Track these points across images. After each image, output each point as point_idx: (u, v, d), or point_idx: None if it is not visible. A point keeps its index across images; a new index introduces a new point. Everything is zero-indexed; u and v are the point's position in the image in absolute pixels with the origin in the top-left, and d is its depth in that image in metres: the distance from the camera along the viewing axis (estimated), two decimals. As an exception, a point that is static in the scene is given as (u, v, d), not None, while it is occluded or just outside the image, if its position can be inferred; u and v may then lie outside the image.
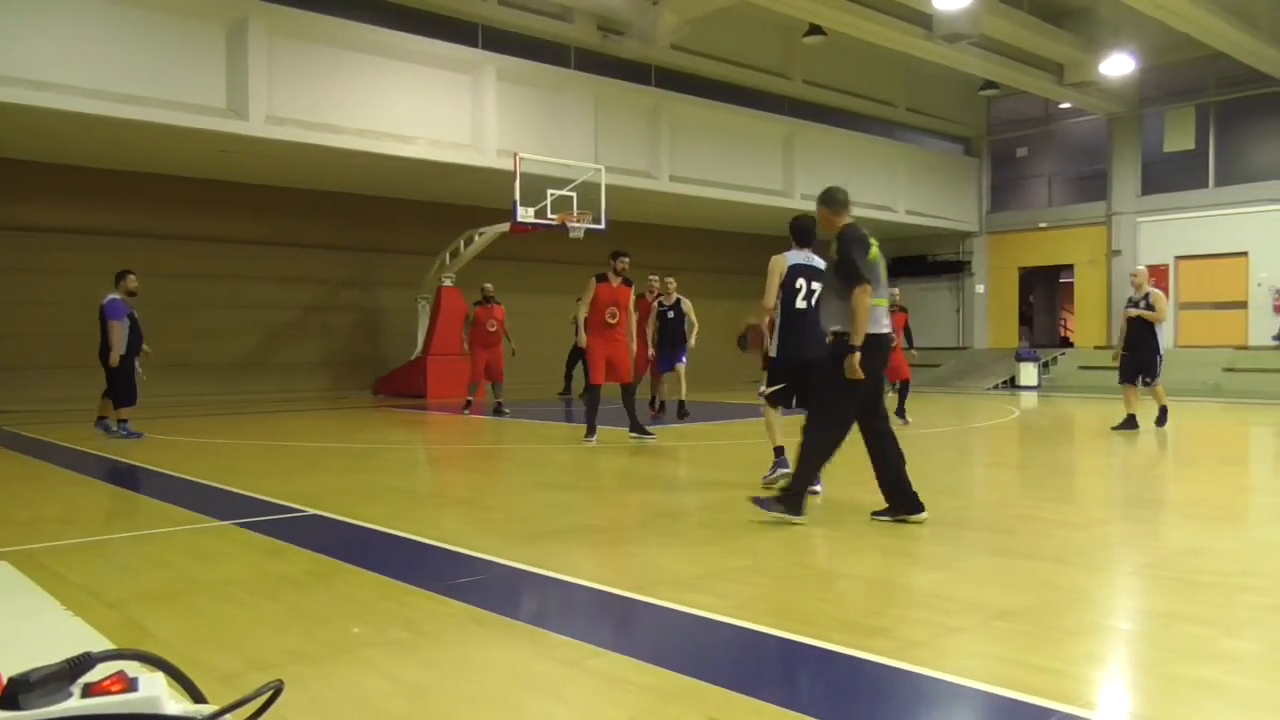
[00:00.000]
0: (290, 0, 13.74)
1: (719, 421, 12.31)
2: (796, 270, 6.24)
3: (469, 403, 13.49)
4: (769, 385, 6.46)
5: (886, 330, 5.26)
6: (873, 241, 5.22)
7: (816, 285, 6.09)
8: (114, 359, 9.84)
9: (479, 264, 16.84)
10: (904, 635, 3.15)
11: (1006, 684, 2.68)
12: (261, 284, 16.99)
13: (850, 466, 8.21)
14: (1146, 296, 10.82)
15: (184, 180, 15.92)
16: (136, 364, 10.08)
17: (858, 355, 4.97)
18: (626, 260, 9.42)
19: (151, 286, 15.53)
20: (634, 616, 3.57)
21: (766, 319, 6.39)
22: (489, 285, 13.71)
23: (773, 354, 6.41)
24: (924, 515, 5.16)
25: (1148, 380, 10.83)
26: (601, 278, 9.31)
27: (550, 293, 17.74)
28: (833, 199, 5.39)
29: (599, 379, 9.31)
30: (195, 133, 13.00)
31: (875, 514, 5.30)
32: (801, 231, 6.29)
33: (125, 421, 10.16)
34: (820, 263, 6.20)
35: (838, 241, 5.22)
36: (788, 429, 6.34)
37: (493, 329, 13.33)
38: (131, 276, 10.18)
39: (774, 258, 6.36)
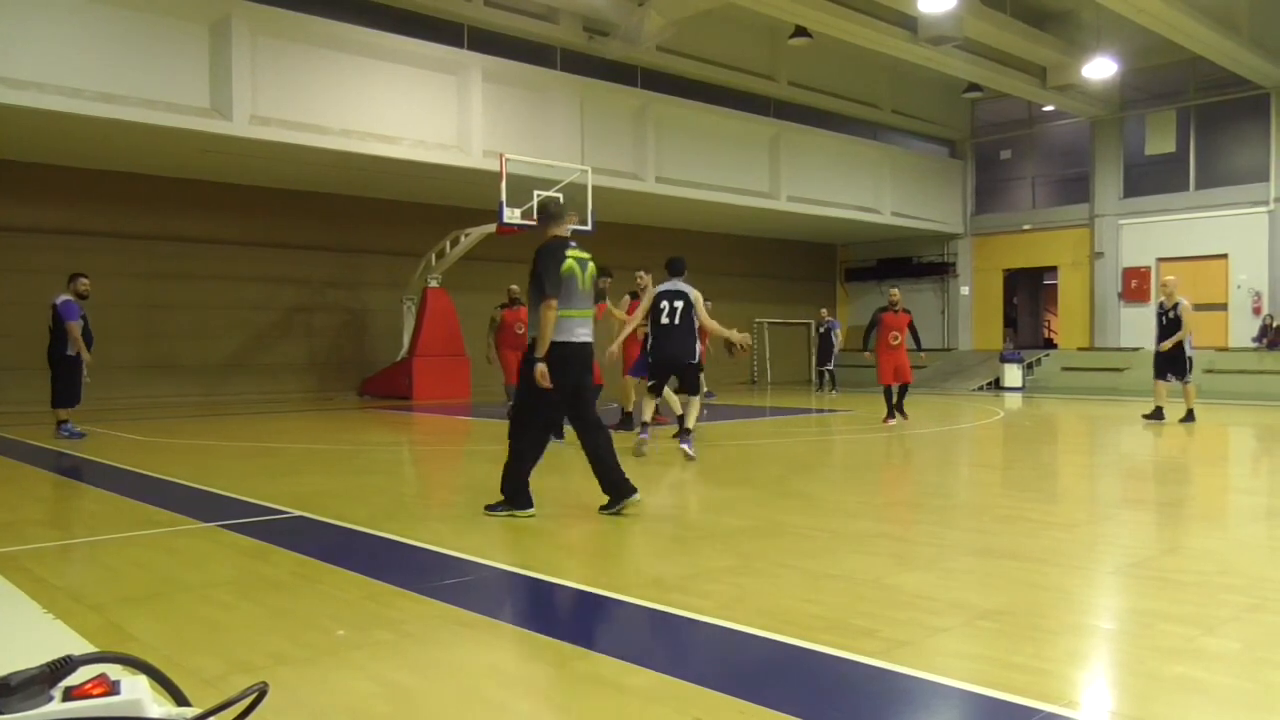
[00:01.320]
0: (274, 0, 13.68)
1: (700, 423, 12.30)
2: (661, 295, 8.15)
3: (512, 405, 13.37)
4: (650, 380, 8.55)
5: (581, 340, 5.45)
6: (570, 255, 5.38)
7: (679, 304, 8.02)
8: (87, 357, 9.95)
9: (465, 265, 16.81)
10: (889, 635, 3.17)
11: (991, 684, 2.69)
12: (245, 285, 16.89)
13: (842, 468, 8.23)
14: (1176, 306, 11.77)
15: (167, 180, 15.81)
16: (84, 366, 10.15)
17: (542, 365, 5.24)
18: (610, 280, 10.28)
19: (133, 287, 15.51)
20: (619, 617, 3.57)
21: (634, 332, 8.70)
22: (515, 287, 13.49)
23: (650, 358, 8.40)
24: (638, 496, 5.38)
25: (1175, 378, 11.88)
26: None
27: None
28: (543, 211, 5.68)
29: None
30: (178, 132, 12.91)
31: (602, 509, 5.43)
32: (672, 266, 8.26)
33: (66, 422, 10.14)
34: (684, 288, 8.11)
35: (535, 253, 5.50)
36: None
37: (520, 331, 13.19)
38: (84, 279, 10.23)
39: (651, 289, 8.46)
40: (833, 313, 21.35)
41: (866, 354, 12.29)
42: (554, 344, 5.28)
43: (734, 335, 8.48)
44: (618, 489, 5.39)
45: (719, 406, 14.84)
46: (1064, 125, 23.56)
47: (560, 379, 5.27)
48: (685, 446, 8.09)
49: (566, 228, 5.57)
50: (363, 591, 3.86)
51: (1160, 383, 12.13)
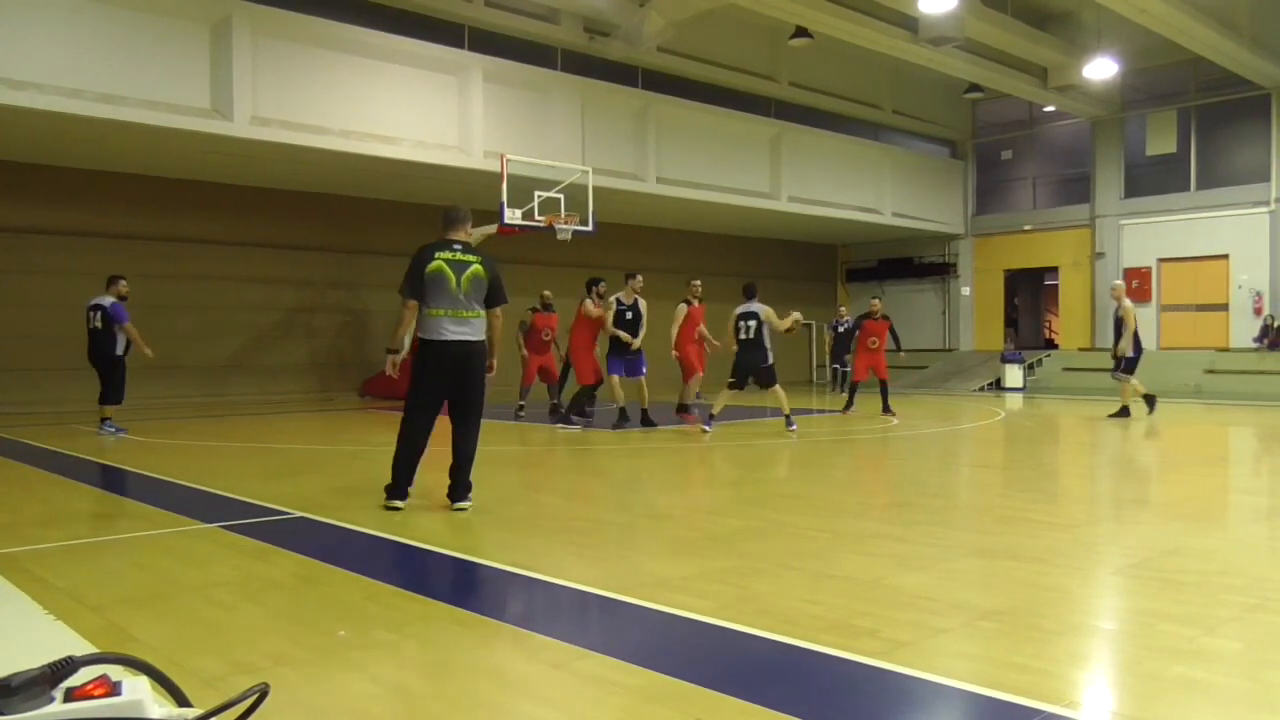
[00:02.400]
0: (275, 0, 13.68)
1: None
2: (739, 315, 10.46)
3: (521, 407, 13.45)
4: (731, 378, 10.67)
5: (452, 338, 5.63)
6: (440, 256, 5.60)
7: (751, 322, 10.31)
8: (148, 353, 10.42)
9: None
10: (890, 636, 3.17)
11: (991, 684, 2.69)
12: (246, 285, 16.90)
13: (843, 468, 8.24)
14: (1118, 307, 12.98)
15: (167, 181, 15.81)
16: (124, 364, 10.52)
17: (392, 355, 6.07)
18: (605, 284, 11.49)
19: (134, 288, 15.39)
20: (620, 618, 3.57)
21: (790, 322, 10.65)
22: (548, 293, 13.61)
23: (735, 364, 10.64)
24: (400, 504, 5.65)
25: (1117, 374, 12.85)
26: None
27: (538, 294, 17.69)
28: (442, 217, 5.90)
29: (593, 379, 11.41)
30: (179, 133, 12.90)
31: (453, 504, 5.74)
32: (747, 291, 10.59)
33: (108, 419, 10.44)
34: (756, 308, 10.37)
35: None
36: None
37: (548, 338, 13.36)
38: (123, 281, 10.61)
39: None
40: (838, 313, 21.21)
41: (847, 357, 14.26)
42: (421, 341, 5.63)
43: (789, 322, 10.53)
44: (461, 491, 5.72)
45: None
46: (1065, 125, 23.54)
47: (430, 373, 5.62)
48: (707, 429, 10.41)
49: (459, 232, 5.82)
50: (363, 592, 3.86)
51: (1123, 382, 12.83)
